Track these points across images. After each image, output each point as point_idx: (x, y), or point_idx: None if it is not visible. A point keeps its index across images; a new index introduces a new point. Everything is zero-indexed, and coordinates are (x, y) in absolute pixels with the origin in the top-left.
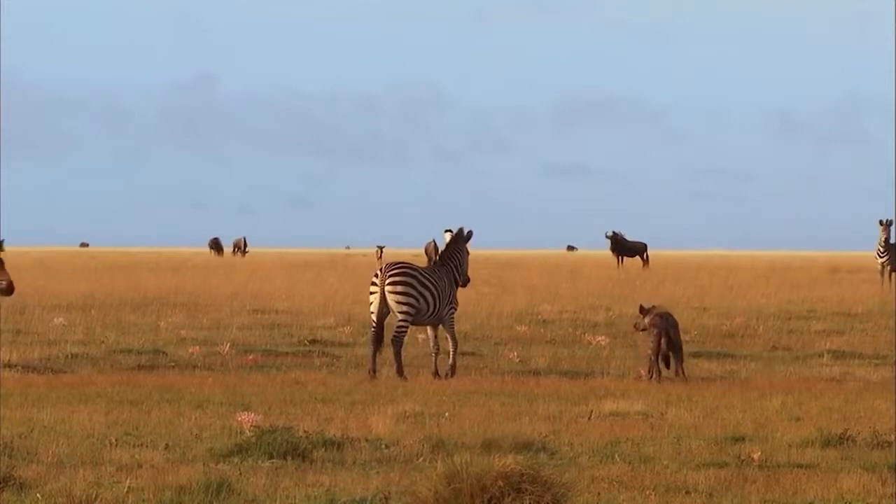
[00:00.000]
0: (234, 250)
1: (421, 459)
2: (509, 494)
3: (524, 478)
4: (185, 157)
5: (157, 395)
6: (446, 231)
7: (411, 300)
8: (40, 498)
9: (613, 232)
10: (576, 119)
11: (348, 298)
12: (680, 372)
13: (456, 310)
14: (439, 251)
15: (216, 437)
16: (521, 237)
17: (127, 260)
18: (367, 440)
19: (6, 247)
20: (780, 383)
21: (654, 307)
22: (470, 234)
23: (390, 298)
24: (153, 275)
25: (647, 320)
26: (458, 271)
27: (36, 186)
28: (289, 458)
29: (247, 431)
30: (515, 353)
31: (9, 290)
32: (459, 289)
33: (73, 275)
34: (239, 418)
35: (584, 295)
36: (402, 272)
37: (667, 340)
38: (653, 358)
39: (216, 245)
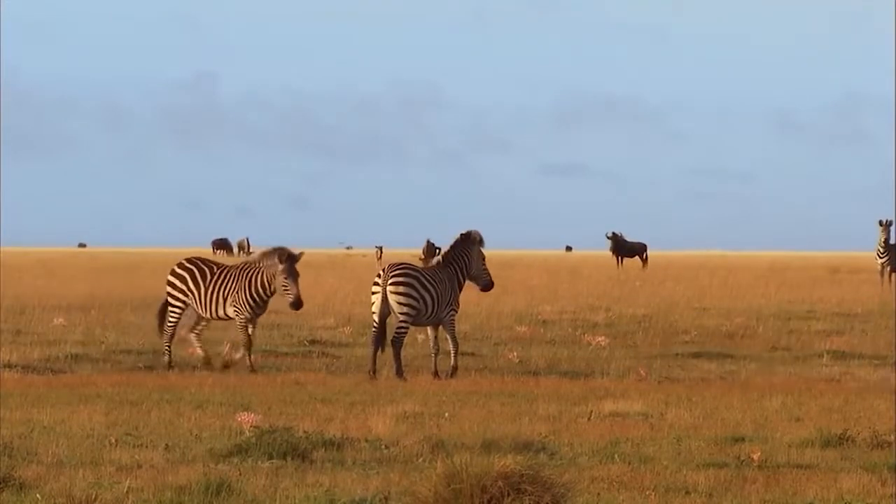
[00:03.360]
0: (237, 251)
1: (421, 460)
2: (509, 495)
3: (524, 478)
4: (183, 156)
5: (156, 396)
6: (461, 235)
7: (412, 301)
8: (40, 498)
9: (613, 233)
10: (575, 119)
11: (348, 299)
12: None
13: (457, 311)
14: (436, 251)
15: (216, 438)
16: (519, 237)
17: (126, 260)
18: (366, 440)
19: (3, 247)
20: (780, 384)
21: None
22: (479, 236)
23: (392, 299)
24: (153, 275)
25: None
26: (462, 274)
27: (34, 186)
28: (288, 458)
29: (246, 432)
30: (515, 354)
31: (297, 303)
32: (480, 291)
33: (73, 275)
34: (239, 419)
35: (584, 295)
36: (405, 273)
37: None
38: None
39: (223, 245)
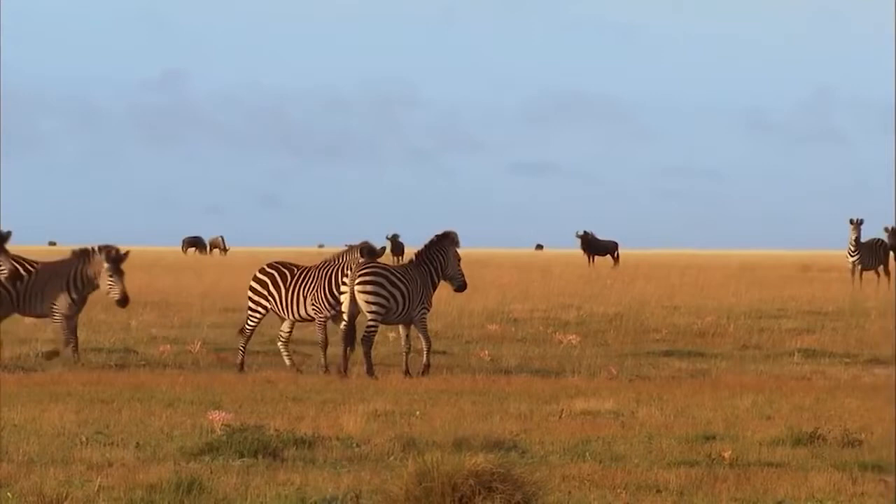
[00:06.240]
0: (210, 249)
1: (392, 458)
2: (480, 493)
3: (495, 476)
4: (154, 154)
5: (127, 394)
6: (439, 235)
7: (380, 300)
8: (10, 497)
9: (584, 231)
10: (546, 117)
11: None
12: None
13: (428, 310)
14: (402, 248)
15: (187, 436)
16: (491, 236)
17: None
18: (338, 439)
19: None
20: (751, 382)
21: None
22: (456, 237)
23: (359, 298)
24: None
25: None
26: (437, 273)
27: (3, 185)
28: (260, 456)
29: (218, 430)
30: (486, 352)
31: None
32: (454, 291)
33: None
34: (210, 417)
35: (555, 294)
36: (372, 272)
37: None
38: None
39: (196, 243)
